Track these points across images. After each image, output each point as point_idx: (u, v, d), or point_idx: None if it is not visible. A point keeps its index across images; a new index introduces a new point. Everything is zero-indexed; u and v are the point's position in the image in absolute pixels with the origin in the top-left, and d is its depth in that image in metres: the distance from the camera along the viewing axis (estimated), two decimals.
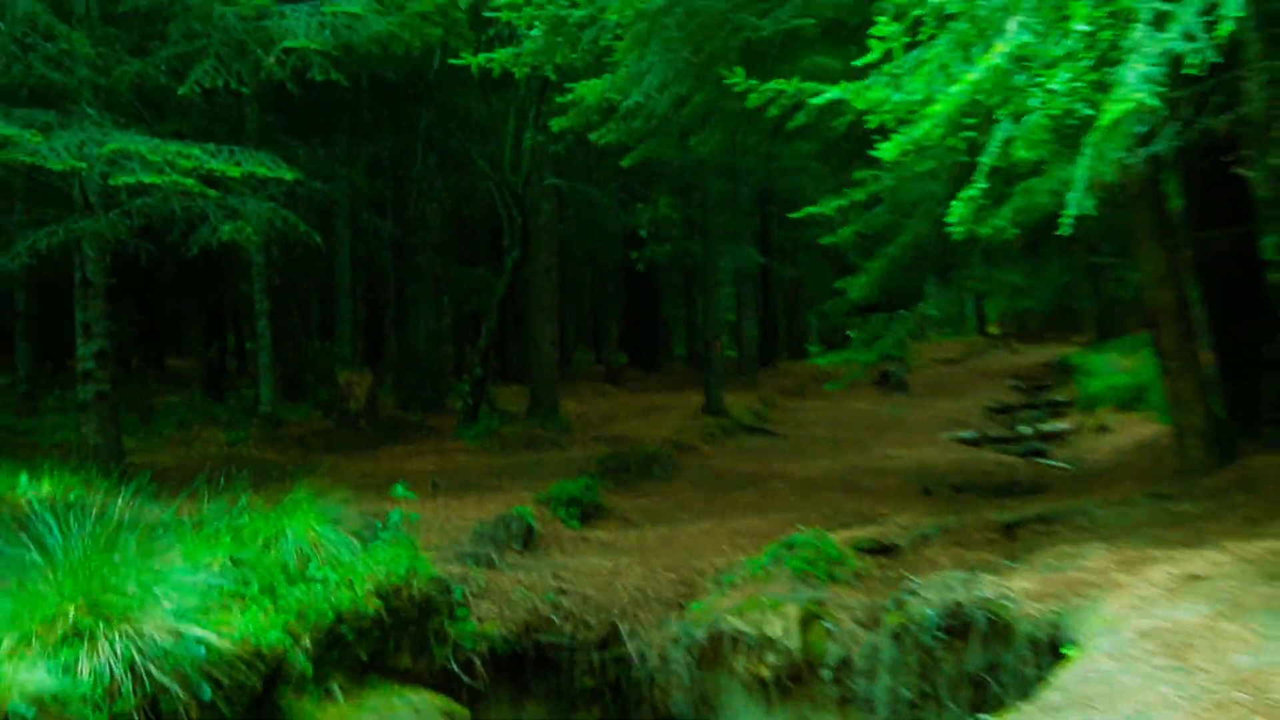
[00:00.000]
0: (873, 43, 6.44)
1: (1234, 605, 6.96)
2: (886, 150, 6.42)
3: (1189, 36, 5.43)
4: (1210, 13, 5.42)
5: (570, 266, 31.91)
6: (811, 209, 10.17)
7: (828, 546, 10.13)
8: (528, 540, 11.80)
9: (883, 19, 6.40)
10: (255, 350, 19.58)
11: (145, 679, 5.57)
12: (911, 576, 9.65)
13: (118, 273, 21.39)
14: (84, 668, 5.49)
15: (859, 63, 6.59)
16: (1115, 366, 25.04)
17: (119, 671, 5.54)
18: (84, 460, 13.41)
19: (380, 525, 9.65)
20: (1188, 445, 11.09)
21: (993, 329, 61.99)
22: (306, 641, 7.21)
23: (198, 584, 6.72)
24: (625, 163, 12.65)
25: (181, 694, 5.69)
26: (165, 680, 5.60)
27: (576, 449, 18.27)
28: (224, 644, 6.24)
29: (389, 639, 8.13)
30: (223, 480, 9.29)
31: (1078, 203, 5.84)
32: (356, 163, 20.85)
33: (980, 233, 8.21)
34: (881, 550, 10.45)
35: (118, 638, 5.61)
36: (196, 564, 7.44)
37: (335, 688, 7.31)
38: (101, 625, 5.65)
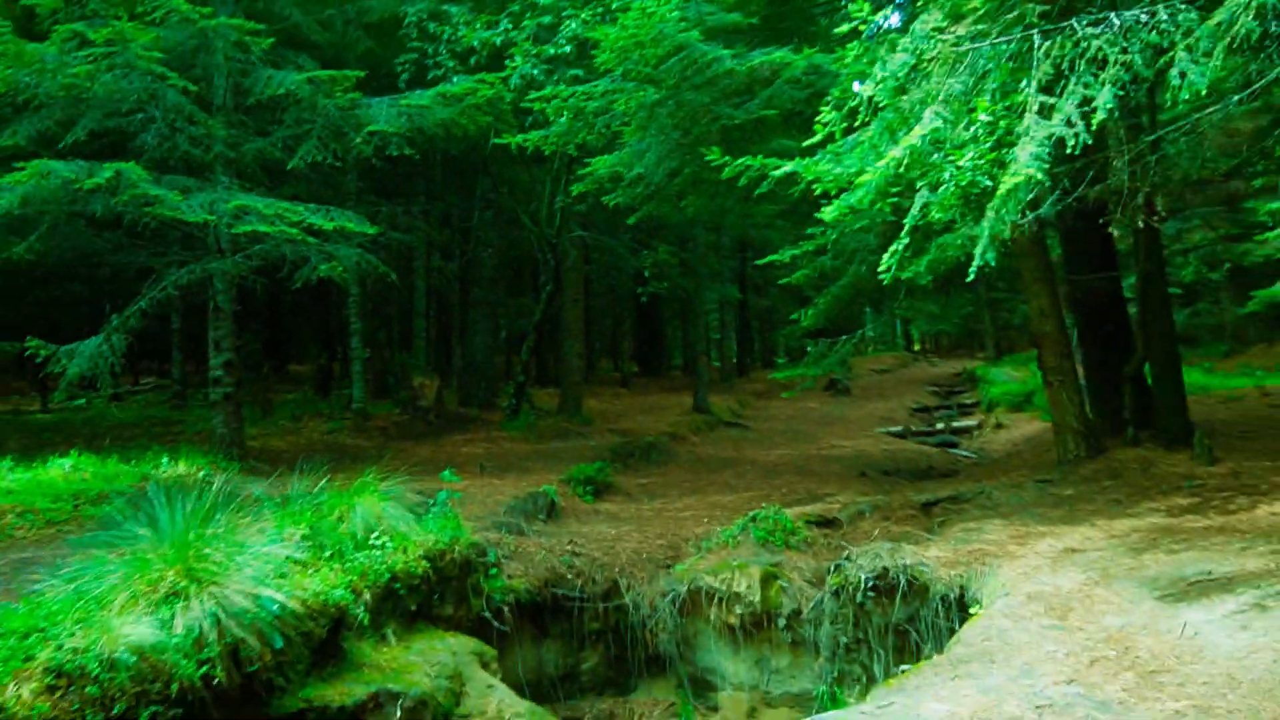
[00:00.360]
0: (818, 127, 6.05)
1: (1104, 574, 6.57)
2: (829, 213, 6.04)
3: (1070, 123, 5.04)
4: (1087, 104, 5.03)
5: (595, 298, 31.56)
6: (773, 256, 9.81)
7: (784, 520, 9.72)
8: (551, 512, 11.39)
9: (825, 108, 6.01)
10: (352, 359, 19.15)
11: (227, 632, 5.19)
12: (848, 545, 9.29)
13: (246, 301, 21.33)
14: (178, 623, 5.11)
15: (807, 143, 6.20)
16: (1009, 376, 24.78)
17: (207, 626, 5.17)
18: (213, 446, 13.08)
19: (432, 501, 9.25)
20: (1066, 441, 10.72)
21: (916, 346, 61.67)
22: (367, 596, 6.83)
23: (275, 554, 6.33)
24: (631, 220, 12.28)
25: (256, 644, 5.31)
26: (242, 634, 5.23)
27: (595, 438, 17.84)
28: (294, 602, 5.85)
29: (435, 593, 7.73)
30: (318, 463, 8.91)
31: (981, 254, 5.46)
32: (430, 218, 20.49)
33: (904, 276, 7.83)
34: (826, 523, 10.05)
35: (206, 598, 5.24)
36: (280, 534, 7.05)
37: (389, 633, 6.92)
38: (193, 587, 5.28)
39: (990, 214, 5.49)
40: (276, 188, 13.97)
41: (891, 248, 5.67)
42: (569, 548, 9.79)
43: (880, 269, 5.83)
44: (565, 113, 10.60)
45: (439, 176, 22.40)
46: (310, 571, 6.72)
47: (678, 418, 20.72)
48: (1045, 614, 5.89)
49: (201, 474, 11.76)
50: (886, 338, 59.64)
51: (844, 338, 10.52)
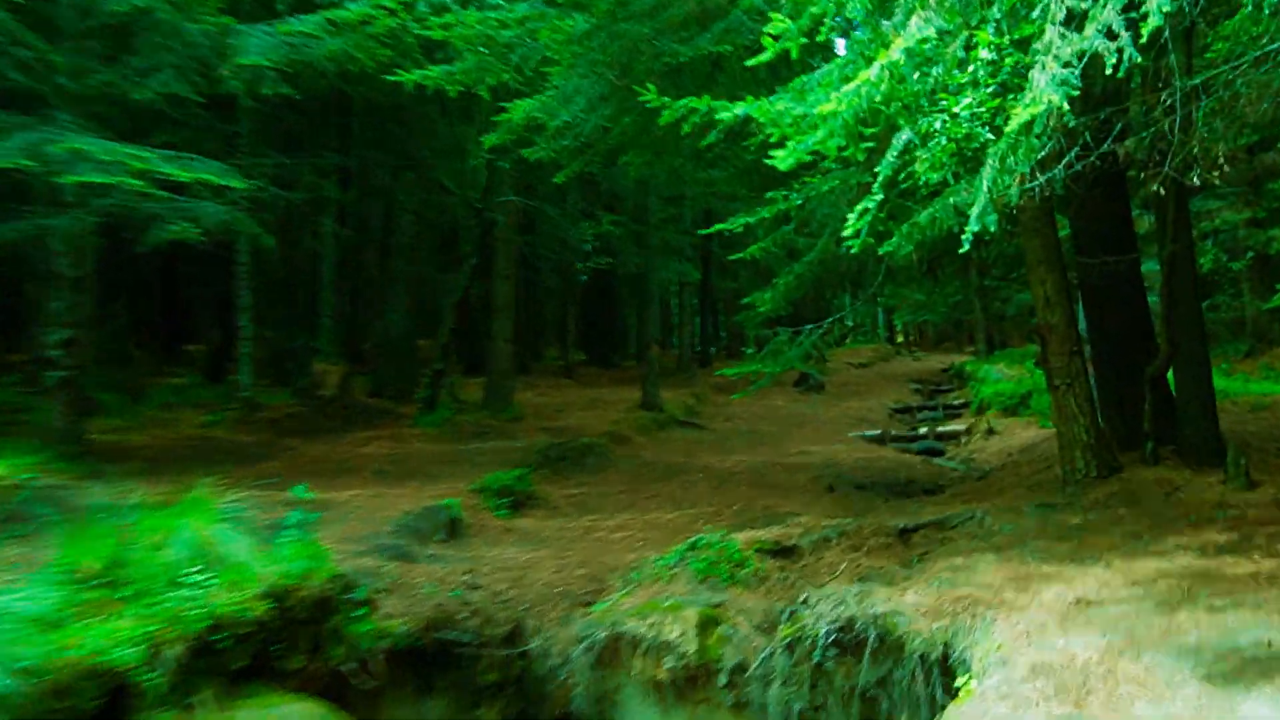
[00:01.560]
0: (766, 41, 5.00)
1: (1129, 638, 5.60)
2: (782, 159, 5.00)
3: (1110, 34, 4.02)
4: (1135, 8, 4.01)
5: (540, 275, 30.43)
6: (723, 225, 8.78)
7: (730, 548, 8.76)
8: (452, 531, 10.37)
9: (777, 16, 4.95)
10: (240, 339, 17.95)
11: None
12: (808, 583, 8.33)
13: (124, 267, 20.02)
14: None
15: (751, 61, 5.15)
16: (1002, 375, 24.15)
17: None
18: (46, 441, 11.86)
19: (299, 517, 8.17)
20: (1073, 456, 9.88)
21: (899, 338, 61.15)
22: (172, 651, 5.71)
23: (51, 599, 5.21)
24: (558, 179, 11.24)
25: None
26: None
27: (523, 438, 16.79)
28: (54, 665, 4.75)
29: (278, 642, 6.64)
30: (182, 464, 7.79)
31: (978, 217, 4.47)
32: (341, 177, 19.28)
33: (883, 251, 6.84)
34: (782, 552, 9.08)
35: None
36: (68, 567, 5.93)
37: (201, 700, 5.81)
38: None
39: (991, 164, 4.49)
40: (146, 134, 12.75)
41: (859, 204, 4.65)
42: (466, 578, 8.78)
43: (845, 233, 4.82)
44: (473, 44, 9.48)
45: (356, 129, 21.26)
46: (95, 620, 5.60)
47: (622, 415, 19.73)
48: (1055, 697, 4.91)
49: (24, 477, 10.58)
50: (866, 328, 59.13)
51: (809, 327, 9.52)
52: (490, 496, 11.89)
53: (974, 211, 4.47)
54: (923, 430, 20.34)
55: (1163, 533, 8.00)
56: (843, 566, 8.54)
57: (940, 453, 18.04)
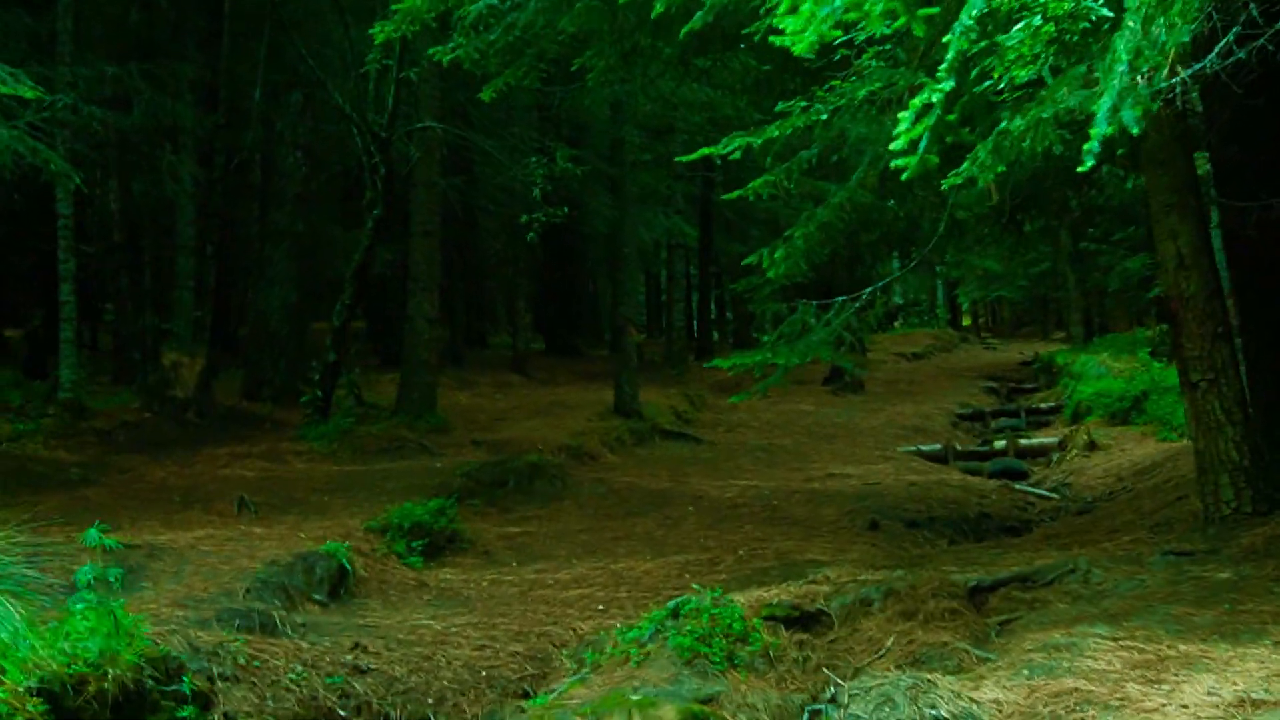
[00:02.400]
0: None
1: None
2: (796, 34, 4.28)
3: None
4: None
5: (480, 233, 29.75)
6: (707, 150, 8.05)
7: (729, 615, 8.10)
8: (337, 588, 9.76)
9: None
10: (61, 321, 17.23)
11: None
12: (840, 665, 7.68)
13: None
14: None
15: None
16: (1105, 369, 23.51)
17: None
18: None
19: (94, 574, 7.48)
20: (1218, 484, 9.27)
21: (966, 320, 60.80)
22: None
23: None
24: (486, 94, 10.52)
25: None
26: None
27: (449, 456, 16.18)
28: None
29: None
30: None
31: (1111, 115, 3.73)
32: (187, 95, 18.55)
33: (944, 183, 6.14)
34: (803, 621, 8.45)
35: None
36: None
37: None
38: None
39: (1128, 35, 3.76)
40: None
41: (918, 98, 3.94)
42: (351, 658, 8.17)
43: (895, 145, 4.11)
44: None
45: (225, 35, 20.60)
46: None
47: (589, 423, 19.14)
48: None
49: None
50: (922, 307, 58.70)
51: (841, 300, 8.81)
52: (396, 538, 11.35)
53: (1103, 104, 3.78)
54: (999, 444, 19.78)
55: None
56: (889, 643, 7.89)
57: (1024, 475, 17.52)
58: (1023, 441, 19.77)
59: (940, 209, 10.10)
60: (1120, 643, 6.96)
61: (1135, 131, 4.08)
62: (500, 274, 32.72)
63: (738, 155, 7.69)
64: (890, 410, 24.58)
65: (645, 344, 34.70)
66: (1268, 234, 9.94)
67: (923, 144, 4.41)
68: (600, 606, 9.58)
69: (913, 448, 19.54)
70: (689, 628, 7.98)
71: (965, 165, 6.14)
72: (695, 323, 34.87)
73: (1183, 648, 6.75)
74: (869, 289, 8.90)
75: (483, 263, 31.48)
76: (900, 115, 4.38)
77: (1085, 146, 4.26)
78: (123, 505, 12.04)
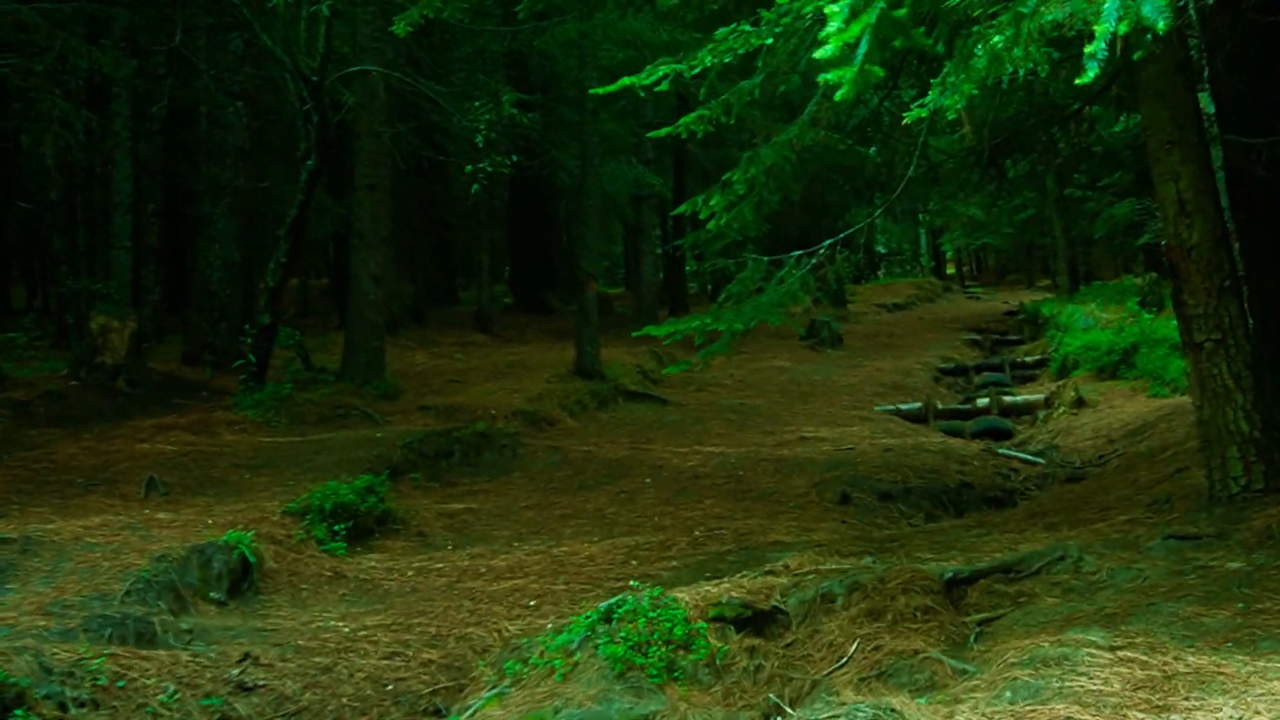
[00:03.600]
0: None
1: None
2: None
3: None
4: None
5: (442, 184, 28.62)
6: (628, 80, 6.94)
7: (670, 618, 7.08)
8: (239, 583, 8.71)
9: None
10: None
11: None
12: (795, 678, 6.71)
13: None
14: None
15: None
16: (1093, 320, 22.70)
17: None
18: None
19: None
20: (1224, 457, 8.29)
21: (950, 269, 59.87)
22: None
23: None
24: (398, 26, 9.39)
25: None
26: None
27: (394, 424, 15.14)
28: None
29: None
30: None
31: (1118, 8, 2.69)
32: (118, 40, 17.38)
33: (909, 115, 5.08)
34: (756, 621, 7.46)
35: None
36: None
37: None
38: None
39: None
40: None
41: None
42: (237, 672, 7.13)
43: (822, 55, 3.04)
44: None
45: None
46: None
47: (548, 385, 18.17)
48: None
49: None
50: (904, 256, 57.71)
51: (798, 254, 7.74)
52: (317, 521, 10.34)
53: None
54: (982, 402, 18.96)
55: None
56: (852, 649, 6.90)
57: (1008, 434, 16.73)
58: (1007, 399, 18.92)
59: (914, 149, 9.09)
60: (1119, 653, 5.98)
61: (1162, 28, 3.08)
62: (469, 227, 31.66)
63: (665, 86, 6.62)
64: (869, 366, 23.69)
65: (618, 299, 33.70)
66: (1276, 179, 8.94)
67: (862, 49, 3.36)
68: (532, 602, 8.57)
69: (891, 407, 18.63)
70: (624, 633, 6.96)
71: (932, 92, 5.07)
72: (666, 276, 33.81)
73: (1192, 659, 5.80)
74: (827, 242, 7.83)
75: (450, 216, 30.35)
76: (830, 10, 3.34)
77: (1087, 50, 3.38)
78: (17, 488, 10.99)
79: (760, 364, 23.51)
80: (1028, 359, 23.65)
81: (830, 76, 3.73)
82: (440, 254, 32.08)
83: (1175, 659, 5.81)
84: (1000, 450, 14.92)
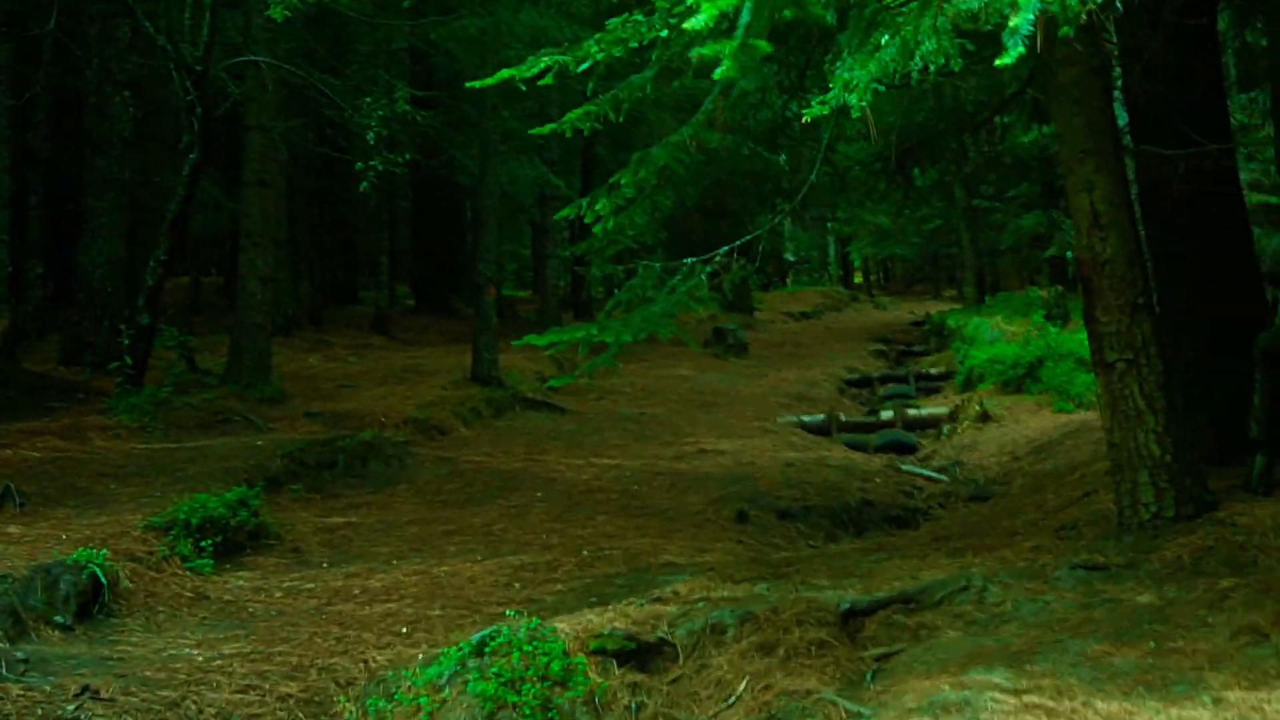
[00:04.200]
0: None
1: None
2: None
3: None
4: None
5: (343, 182, 27.90)
6: (508, 72, 6.42)
7: (547, 652, 6.57)
8: (89, 606, 8.11)
9: None
10: None
11: None
12: None
13: None
14: None
15: None
16: (1000, 333, 22.54)
17: None
18: None
19: None
20: (1135, 482, 7.92)
21: (858, 278, 59.88)
22: None
23: None
24: (275, 11, 8.80)
25: None
26: None
27: (277, 431, 14.51)
28: None
29: None
30: None
31: None
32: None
33: (808, 112, 4.62)
34: (641, 655, 7.01)
35: None
36: None
37: None
38: None
39: None
40: None
41: None
42: (73, 708, 6.58)
43: (692, 25, 2.58)
44: None
45: None
46: None
47: (443, 392, 17.65)
48: None
49: None
50: (812, 264, 57.60)
51: (690, 262, 7.26)
52: (182, 536, 9.69)
53: None
54: (887, 414, 18.65)
55: None
56: (740, 689, 6.44)
57: (913, 449, 16.41)
58: (911, 412, 18.64)
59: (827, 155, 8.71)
60: (1024, 698, 5.56)
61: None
62: (371, 227, 31.01)
63: (550, 80, 6.11)
64: (774, 375, 23.36)
65: (523, 303, 33.13)
66: (1194, 187, 8.62)
67: (744, 18, 2.88)
68: (404, 629, 8.02)
69: (795, 418, 18.27)
70: (496, 668, 6.47)
71: (835, 87, 4.60)
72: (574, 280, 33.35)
73: (1102, 705, 5.40)
74: (723, 249, 7.37)
75: (354, 215, 29.67)
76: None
77: (1012, 23, 2.89)
78: None
79: (663, 371, 23.11)
80: (933, 371, 23.44)
81: (706, 51, 3.28)
82: (345, 253, 31.39)
83: (1084, 704, 5.40)
84: (904, 467, 14.57)
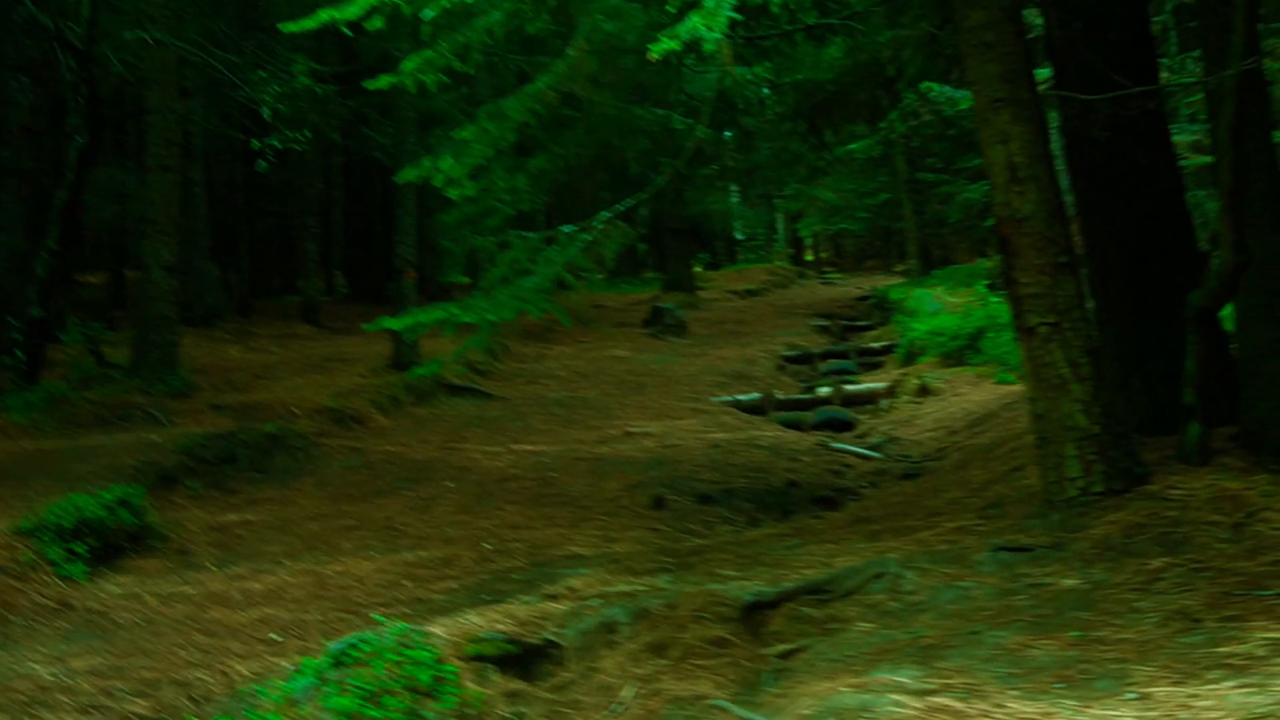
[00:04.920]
0: None
1: None
2: None
3: None
4: None
5: (275, 169, 27.15)
6: (327, 13, 5.81)
7: (418, 659, 5.99)
8: None
9: None
10: None
11: None
12: None
13: None
14: None
15: None
16: (941, 306, 22.25)
17: None
18: None
19: None
20: (1061, 456, 7.38)
21: (809, 255, 59.54)
22: None
23: None
24: None
25: None
26: None
27: (181, 424, 13.88)
28: None
29: None
30: None
31: None
32: None
33: (654, 50, 4.07)
34: (524, 659, 6.50)
35: None
36: None
37: None
38: None
39: None
40: None
41: None
42: None
43: None
44: None
45: None
46: None
47: (362, 380, 17.08)
48: None
49: None
50: (759, 241, 57.22)
51: (568, 230, 6.67)
52: (53, 540, 9.06)
53: None
54: (825, 391, 18.05)
55: (1240, 611, 5.62)
56: (627, 694, 5.85)
57: (850, 426, 15.92)
58: (850, 387, 18.10)
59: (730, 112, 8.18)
60: (931, 699, 5.06)
61: None
62: (298, 214, 30.27)
63: (379, 24, 5.51)
64: (713, 354, 22.79)
65: (460, 287, 32.47)
66: (1122, 137, 8.13)
67: None
68: (277, 635, 7.44)
69: (730, 398, 17.70)
70: (358, 680, 5.88)
71: (689, 19, 4.03)
72: None
73: (1015, 707, 4.93)
74: (603, 214, 6.79)
75: (286, 203, 29.00)
76: None
77: None
78: None
79: (599, 353, 22.58)
80: (875, 345, 22.93)
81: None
82: (281, 241, 30.72)
83: (996, 706, 4.89)
84: (835, 445, 14.02)
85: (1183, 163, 10.59)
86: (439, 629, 6.44)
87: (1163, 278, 8.60)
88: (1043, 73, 9.46)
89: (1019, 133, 7.48)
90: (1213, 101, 8.11)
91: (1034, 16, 10.47)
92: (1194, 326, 7.63)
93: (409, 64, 6.18)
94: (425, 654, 6.06)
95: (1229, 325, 8.16)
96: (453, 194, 6.57)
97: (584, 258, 6.75)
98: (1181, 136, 11.39)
